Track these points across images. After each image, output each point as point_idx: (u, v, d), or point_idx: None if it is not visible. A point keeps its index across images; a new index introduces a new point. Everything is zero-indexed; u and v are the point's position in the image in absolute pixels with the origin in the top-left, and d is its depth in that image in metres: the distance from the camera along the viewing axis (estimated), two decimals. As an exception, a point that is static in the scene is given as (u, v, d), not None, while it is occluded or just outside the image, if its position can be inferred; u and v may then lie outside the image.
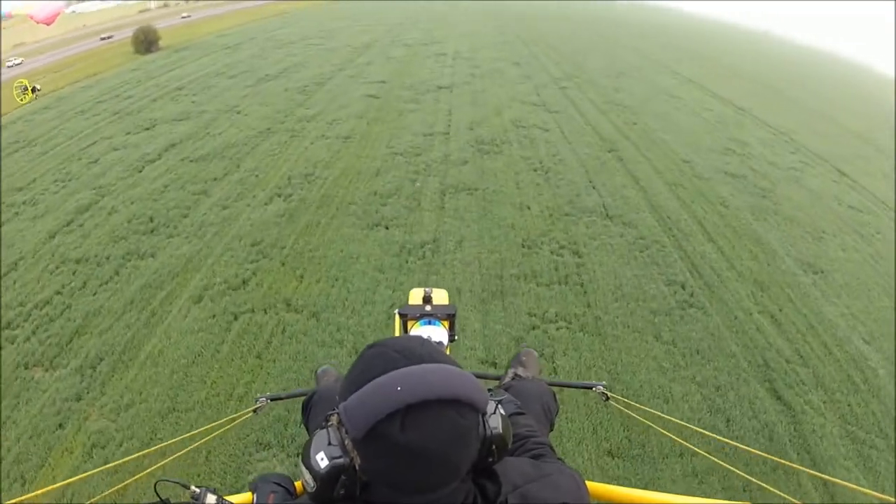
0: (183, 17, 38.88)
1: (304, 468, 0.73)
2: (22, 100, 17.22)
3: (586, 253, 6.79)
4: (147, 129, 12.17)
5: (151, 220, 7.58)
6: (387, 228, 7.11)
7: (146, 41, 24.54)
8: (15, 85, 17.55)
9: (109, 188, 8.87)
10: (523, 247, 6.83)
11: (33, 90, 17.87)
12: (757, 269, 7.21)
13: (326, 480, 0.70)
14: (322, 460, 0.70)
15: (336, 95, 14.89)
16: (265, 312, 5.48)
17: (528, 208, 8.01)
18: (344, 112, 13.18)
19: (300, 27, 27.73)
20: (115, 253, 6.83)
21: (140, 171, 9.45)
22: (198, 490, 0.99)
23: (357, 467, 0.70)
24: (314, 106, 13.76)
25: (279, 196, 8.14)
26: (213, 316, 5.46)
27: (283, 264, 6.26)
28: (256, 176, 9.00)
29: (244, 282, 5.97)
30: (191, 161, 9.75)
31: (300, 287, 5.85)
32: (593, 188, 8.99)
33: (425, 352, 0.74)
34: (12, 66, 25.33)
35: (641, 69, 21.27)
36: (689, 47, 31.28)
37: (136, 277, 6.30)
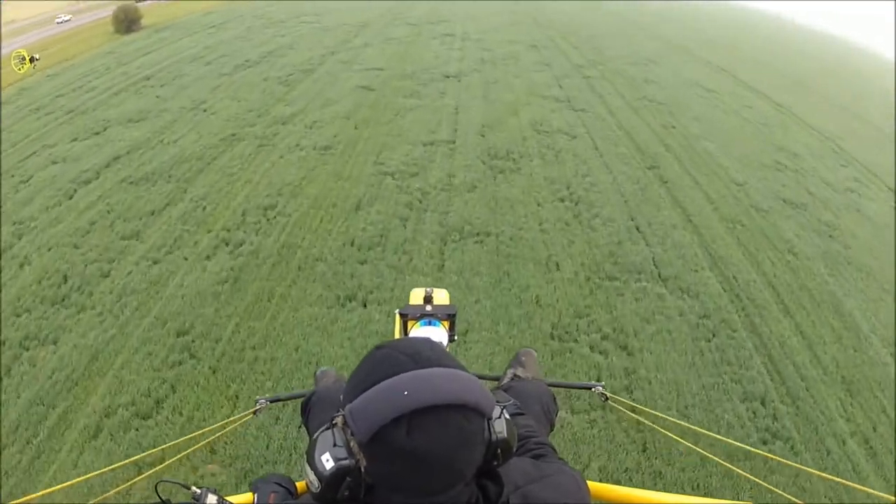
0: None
1: (308, 468, 0.70)
2: (20, 69, 16.44)
3: (638, 348, 4.98)
4: (97, 133, 10.30)
5: (65, 279, 5.86)
6: (364, 306, 5.30)
7: (126, 20, 22.43)
8: (13, 55, 16.83)
9: (30, 224, 7.11)
10: (552, 338, 5.02)
11: (31, 60, 16.99)
12: (843, 360, 5.48)
13: (331, 482, 0.68)
14: (327, 461, 0.68)
15: (323, 87, 12.85)
16: (180, 463, 3.80)
17: (558, 267, 6.15)
18: (329, 111, 11.20)
19: (296, 2, 25.16)
20: (13, 337, 5.15)
21: (70, 198, 7.65)
22: (198, 490, 0.98)
23: (362, 469, 0.67)
24: (295, 102, 11.77)
25: (226, 244, 6.32)
26: (110, 464, 3.79)
27: (214, 372, 4.52)
28: (204, 209, 7.16)
29: (158, 403, 4.27)
30: (130, 183, 7.92)
31: (231, 417, 4.14)
32: (638, 230, 7.09)
33: (434, 355, 0.72)
34: (62, 23, 26.54)
35: (667, 56, 18.90)
36: (707, 33, 28.39)
37: (29, 382, 4.63)
